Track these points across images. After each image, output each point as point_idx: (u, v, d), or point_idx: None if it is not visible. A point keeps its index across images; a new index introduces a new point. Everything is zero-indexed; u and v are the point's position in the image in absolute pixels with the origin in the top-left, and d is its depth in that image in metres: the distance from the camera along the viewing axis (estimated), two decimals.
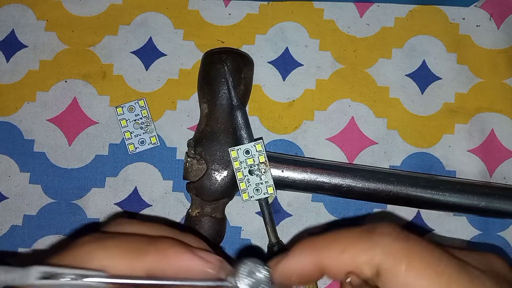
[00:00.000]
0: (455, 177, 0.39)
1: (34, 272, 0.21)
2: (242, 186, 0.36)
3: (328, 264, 0.23)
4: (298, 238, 0.39)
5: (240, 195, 0.36)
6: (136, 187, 0.40)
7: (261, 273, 0.23)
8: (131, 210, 0.40)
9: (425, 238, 0.22)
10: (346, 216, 0.39)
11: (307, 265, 0.23)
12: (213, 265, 0.23)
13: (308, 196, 0.40)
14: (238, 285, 0.23)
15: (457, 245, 0.24)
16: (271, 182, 0.36)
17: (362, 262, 0.22)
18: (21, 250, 0.39)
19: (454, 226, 0.39)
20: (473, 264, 0.22)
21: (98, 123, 0.41)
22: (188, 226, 0.37)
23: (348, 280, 0.22)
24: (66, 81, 0.41)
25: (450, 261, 0.21)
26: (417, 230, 0.39)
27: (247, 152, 0.35)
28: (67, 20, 0.42)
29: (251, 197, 0.36)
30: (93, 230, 0.36)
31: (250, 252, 0.39)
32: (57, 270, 0.21)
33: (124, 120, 0.40)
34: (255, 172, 0.35)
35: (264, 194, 0.36)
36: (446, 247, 0.22)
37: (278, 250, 0.36)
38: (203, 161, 0.36)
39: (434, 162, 0.40)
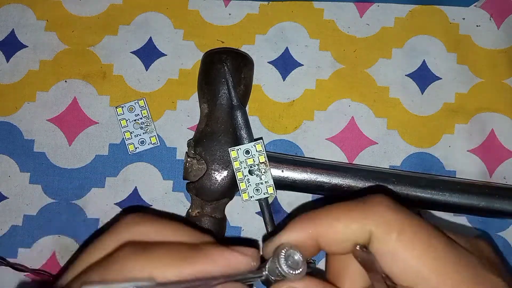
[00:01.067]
0: (455, 177, 0.39)
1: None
2: (242, 186, 0.36)
3: (323, 235, 0.23)
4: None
5: (240, 195, 0.36)
6: (136, 187, 0.40)
7: (296, 255, 0.24)
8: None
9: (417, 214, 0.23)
10: None
11: (303, 238, 0.24)
12: (254, 258, 0.24)
13: (308, 196, 0.40)
14: (283, 267, 0.23)
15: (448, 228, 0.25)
16: (271, 182, 0.36)
17: (354, 230, 0.22)
18: (21, 249, 0.39)
19: (454, 226, 0.39)
20: (462, 245, 0.22)
21: (98, 123, 0.41)
22: (193, 222, 0.37)
23: (357, 247, 0.23)
24: (66, 81, 0.42)
25: (440, 237, 0.22)
26: None
27: (247, 152, 0.35)
28: (67, 20, 0.42)
29: (251, 197, 0.36)
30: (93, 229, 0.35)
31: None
32: (111, 286, 0.21)
33: (124, 120, 0.40)
34: (255, 172, 0.35)
35: (264, 194, 0.36)
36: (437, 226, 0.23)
37: None
38: (203, 161, 0.36)
39: (434, 162, 0.40)
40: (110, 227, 0.26)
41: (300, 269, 0.24)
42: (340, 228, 0.23)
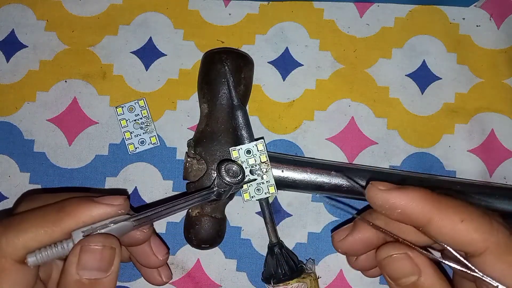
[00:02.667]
0: (455, 177, 0.39)
1: (78, 235, 0.26)
2: (243, 186, 0.36)
3: (441, 225, 0.24)
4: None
5: (240, 195, 0.36)
6: (136, 187, 0.40)
7: (234, 167, 0.31)
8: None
9: None
10: (346, 216, 0.39)
11: (419, 211, 0.24)
12: (120, 206, 0.27)
13: (308, 196, 0.40)
14: (226, 178, 0.30)
15: None
16: (273, 181, 0.35)
17: (473, 239, 0.23)
18: None
19: None
20: None
21: (98, 123, 0.41)
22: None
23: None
24: (66, 81, 0.41)
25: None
26: None
27: (249, 151, 0.35)
28: (67, 20, 0.42)
29: (252, 197, 0.36)
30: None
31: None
32: (90, 226, 0.26)
33: (124, 120, 0.40)
34: (256, 172, 0.35)
35: (265, 194, 0.36)
36: None
37: (278, 250, 0.36)
38: (203, 161, 0.36)
39: (434, 162, 0.40)
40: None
41: (239, 176, 0.31)
42: (461, 230, 0.24)
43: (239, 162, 0.35)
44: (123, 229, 0.27)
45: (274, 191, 0.36)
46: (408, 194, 0.25)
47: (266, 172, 0.35)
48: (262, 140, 0.36)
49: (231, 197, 0.38)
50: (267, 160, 0.35)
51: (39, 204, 0.28)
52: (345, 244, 0.29)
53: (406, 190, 0.25)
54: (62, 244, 0.26)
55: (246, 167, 0.35)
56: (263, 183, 0.35)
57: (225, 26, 0.42)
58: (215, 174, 0.33)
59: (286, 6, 0.42)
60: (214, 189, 0.31)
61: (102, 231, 0.26)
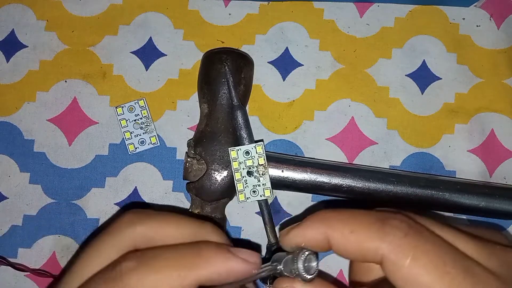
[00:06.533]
0: (455, 177, 0.39)
1: None
2: (239, 187, 0.36)
3: (335, 241, 0.23)
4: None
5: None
6: (136, 187, 0.40)
7: (314, 262, 0.25)
8: None
9: (437, 234, 0.22)
10: None
11: (317, 236, 0.24)
12: (256, 265, 0.25)
13: (308, 196, 0.40)
14: (300, 269, 0.25)
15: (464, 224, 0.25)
16: (269, 184, 0.35)
17: (367, 248, 0.22)
18: (21, 249, 0.39)
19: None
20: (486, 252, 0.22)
21: (98, 123, 0.41)
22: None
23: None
24: (66, 81, 0.42)
25: (457, 263, 0.21)
26: None
27: (247, 153, 0.35)
28: (67, 20, 0.42)
29: (247, 198, 0.36)
30: (93, 229, 0.35)
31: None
32: None
33: (124, 120, 0.40)
34: (253, 174, 0.35)
35: (260, 196, 0.36)
36: (458, 226, 0.23)
37: (277, 250, 0.36)
38: (203, 161, 0.36)
39: (434, 162, 0.40)
40: (109, 227, 0.26)
41: (313, 274, 0.25)
42: (354, 243, 0.23)
43: (237, 162, 0.35)
44: None
45: (269, 194, 0.36)
46: (303, 224, 0.25)
47: (263, 174, 0.35)
48: (262, 142, 0.36)
49: (231, 197, 0.38)
50: (265, 163, 0.35)
51: (144, 225, 0.26)
52: (288, 238, 0.26)
53: (303, 221, 0.25)
54: None
55: (243, 168, 0.35)
56: (259, 185, 0.35)
57: (225, 26, 0.42)
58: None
59: (286, 6, 0.42)
60: (278, 267, 0.26)
61: None
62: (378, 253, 0.22)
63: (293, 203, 0.40)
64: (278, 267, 0.26)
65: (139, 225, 0.26)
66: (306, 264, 0.25)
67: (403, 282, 0.21)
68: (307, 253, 0.25)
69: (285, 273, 0.26)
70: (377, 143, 0.40)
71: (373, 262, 0.23)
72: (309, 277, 0.24)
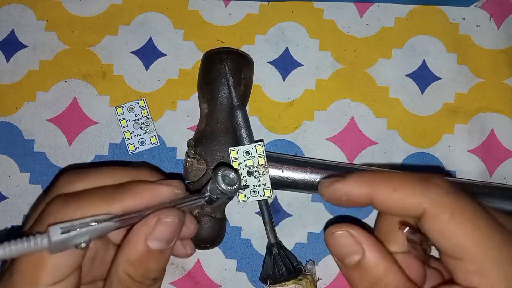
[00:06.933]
0: (455, 177, 0.39)
1: (55, 231, 0.23)
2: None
3: (379, 198, 0.25)
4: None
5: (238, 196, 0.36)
6: None
7: (231, 174, 0.29)
8: None
9: (472, 198, 0.25)
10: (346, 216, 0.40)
11: (360, 192, 0.26)
12: (177, 187, 0.27)
13: (308, 196, 0.40)
14: (221, 185, 0.28)
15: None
16: (269, 184, 0.35)
17: (410, 204, 0.24)
18: None
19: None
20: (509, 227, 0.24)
21: (98, 123, 0.41)
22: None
23: (405, 231, 0.25)
24: (66, 81, 0.42)
25: (487, 220, 0.24)
26: None
27: (247, 153, 0.35)
28: (67, 20, 0.42)
29: (247, 198, 0.36)
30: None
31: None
32: (70, 223, 0.24)
33: (124, 120, 0.40)
34: (253, 174, 0.35)
35: (260, 196, 0.36)
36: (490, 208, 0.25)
37: (276, 250, 0.36)
38: (203, 161, 0.36)
39: (434, 162, 0.40)
40: (49, 190, 0.28)
41: (236, 185, 0.28)
42: (397, 200, 0.24)
43: (237, 162, 0.35)
44: (105, 229, 0.25)
45: (269, 195, 0.36)
46: (348, 180, 0.26)
47: (263, 174, 0.35)
48: (262, 142, 0.36)
49: (230, 197, 0.38)
50: (265, 163, 0.35)
51: (82, 181, 0.27)
52: (330, 189, 0.27)
53: (347, 177, 0.26)
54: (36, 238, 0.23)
55: (244, 168, 0.35)
56: (259, 185, 0.35)
57: (225, 26, 0.42)
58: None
59: (286, 6, 0.42)
60: (206, 194, 0.29)
61: (83, 230, 0.24)
62: (420, 207, 0.24)
63: (293, 203, 0.40)
64: (205, 194, 0.28)
65: (78, 182, 0.27)
66: (226, 180, 0.28)
67: (440, 234, 0.23)
68: (220, 171, 0.28)
69: (215, 197, 0.28)
70: (377, 143, 0.40)
71: (412, 216, 0.25)
72: (234, 188, 0.28)
